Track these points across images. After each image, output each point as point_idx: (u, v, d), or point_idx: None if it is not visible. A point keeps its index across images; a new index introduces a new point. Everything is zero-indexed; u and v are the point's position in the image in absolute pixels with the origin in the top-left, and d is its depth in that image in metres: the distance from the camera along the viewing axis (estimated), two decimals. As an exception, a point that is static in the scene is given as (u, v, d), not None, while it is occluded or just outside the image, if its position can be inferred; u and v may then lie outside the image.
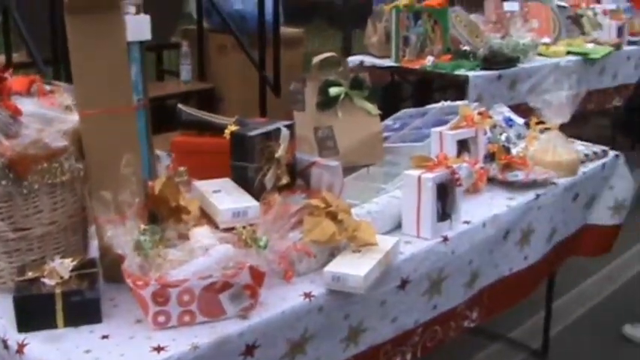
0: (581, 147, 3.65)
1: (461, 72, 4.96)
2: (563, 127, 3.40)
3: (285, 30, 6.31)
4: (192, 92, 6.16)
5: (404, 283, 2.42)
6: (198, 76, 6.25)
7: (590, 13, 6.74)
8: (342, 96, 3.04)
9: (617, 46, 6.22)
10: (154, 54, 6.62)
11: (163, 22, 6.11)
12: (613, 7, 6.94)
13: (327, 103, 3.03)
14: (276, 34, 5.60)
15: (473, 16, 5.94)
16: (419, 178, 2.52)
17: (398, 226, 2.60)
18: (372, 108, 3.09)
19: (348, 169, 2.95)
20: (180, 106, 2.98)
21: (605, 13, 6.78)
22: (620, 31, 6.44)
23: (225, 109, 6.02)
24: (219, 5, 6.01)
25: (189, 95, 6.17)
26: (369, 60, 5.38)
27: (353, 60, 5.47)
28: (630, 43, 6.41)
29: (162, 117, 6.06)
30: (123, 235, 1.94)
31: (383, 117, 3.75)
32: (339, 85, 3.05)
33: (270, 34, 5.63)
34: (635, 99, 4.25)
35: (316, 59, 3.10)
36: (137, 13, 2.31)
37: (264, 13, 5.60)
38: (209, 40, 6.25)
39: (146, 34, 2.33)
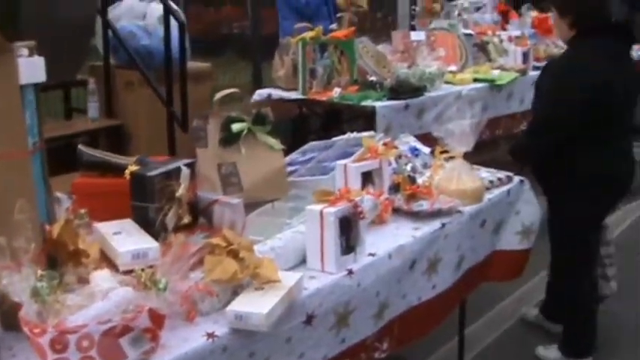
0: (486, 174, 3.70)
1: (368, 103, 4.98)
2: (473, 154, 3.45)
3: (193, 65, 6.28)
4: (100, 130, 6.07)
5: (310, 319, 2.41)
6: (106, 113, 6.17)
7: (495, 40, 6.85)
8: (244, 132, 3.03)
9: (523, 72, 6.33)
10: (62, 91, 6.52)
11: (70, 59, 6.04)
12: (518, 33, 7.07)
13: (229, 139, 3.02)
14: (182, 69, 5.57)
15: (380, 47, 5.99)
16: (321, 212, 2.51)
17: (303, 261, 2.59)
18: (275, 143, 3.08)
19: (253, 205, 2.94)
20: (80, 147, 2.94)
21: (510, 39, 6.90)
22: (525, 56, 6.56)
23: (134, 146, 5.96)
24: (126, 41, 5.95)
25: (98, 133, 6.08)
26: (276, 93, 5.38)
27: (261, 93, 5.47)
28: (535, 68, 6.53)
29: (70, 156, 5.99)
30: (19, 282, 1.90)
31: (291, 150, 3.77)
32: (241, 120, 3.04)
33: (178, 70, 5.60)
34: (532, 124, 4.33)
35: (218, 95, 3.10)
36: (30, 55, 2.27)
37: (170, 49, 5.57)
38: (116, 76, 6.18)
39: (40, 76, 2.29)
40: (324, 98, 5.13)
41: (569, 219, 3.90)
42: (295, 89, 5.27)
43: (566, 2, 4.08)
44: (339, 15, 5.94)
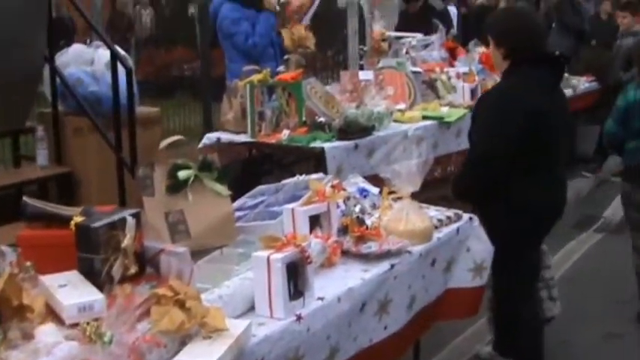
0: (435, 212, 3.73)
1: (317, 144, 4.99)
2: (425, 191, 3.48)
3: (141, 110, 6.27)
4: (49, 177, 6.02)
5: (259, 366, 2.40)
6: (56, 160, 6.12)
7: (444, 77, 6.90)
8: (191, 179, 3.02)
9: (471, 108, 6.39)
10: (10, 139, 6.47)
11: (18, 107, 6.01)
12: (466, 69, 7.12)
13: (176, 186, 3.02)
14: (131, 115, 5.56)
15: (329, 87, 6.03)
16: (268, 258, 2.52)
17: (252, 308, 2.59)
18: (223, 189, 3.08)
19: (202, 252, 2.94)
20: (25, 198, 2.92)
21: (458, 76, 6.96)
22: (473, 93, 6.61)
23: (84, 193, 5.93)
24: (74, 88, 5.93)
25: (47, 180, 6.03)
26: (226, 136, 5.37)
27: (210, 137, 5.46)
28: (483, 104, 6.60)
29: (19, 205, 5.94)
30: (-40, 340, 1.87)
31: (241, 193, 3.77)
32: (188, 167, 3.04)
33: (126, 116, 5.59)
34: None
35: (163, 143, 3.09)
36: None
37: (118, 95, 5.56)
38: (65, 123, 6.14)
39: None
40: (273, 141, 5.13)
41: (505, 245, 3.93)
42: (244, 132, 5.27)
43: (500, 34, 4.17)
44: (286, 57, 5.95)
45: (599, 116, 10.04)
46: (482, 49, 7.83)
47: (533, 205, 4.05)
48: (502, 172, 3.97)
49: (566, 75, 9.04)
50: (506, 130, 3.93)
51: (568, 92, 8.78)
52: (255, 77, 5.26)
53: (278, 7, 6.45)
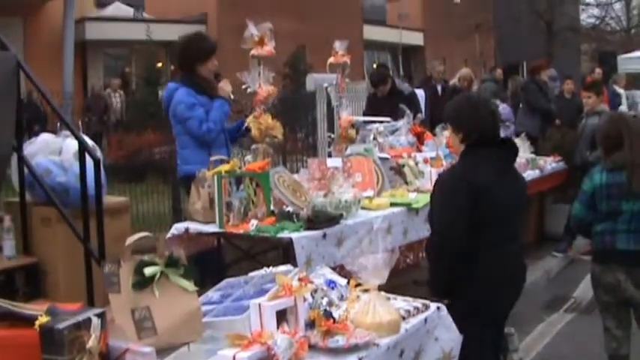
0: (403, 303, 3.73)
1: (285, 234, 4.97)
2: (397, 277, 3.50)
3: (110, 200, 6.27)
4: (16, 267, 5.98)
5: None
6: (23, 250, 6.09)
7: (411, 162, 6.97)
8: (158, 275, 3.02)
9: (439, 193, 6.44)
10: (-23, 230, 6.45)
11: (-15, 197, 6.00)
12: (433, 154, 7.21)
13: (143, 283, 3.01)
14: (99, 206, 5.54)
15: (297, 175, 6.07)
16: (234, 358, 2.51)
17: (217, 408, 2.57)
18: (189, 285, 3.08)
19: (169, 349, 2.92)
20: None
21: (426, 161, 7.04)
22: (441, 178, 6.67)
23: (51, 283, 5.89)
24: (42, 178, 5.93)
25: (14, 270, 6.00)
26: (194, 227, 5.36)
27: (178, 227, 5.45)
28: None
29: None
30: None
31: (209, 284, 3.76)
32: (154, 264, 3.04)
33: (94, 206, 5.58)
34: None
35: (129, 240, 3.10)
36: None
37: (86, 186, 5.56)
38: (33, 212, 6.12)
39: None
40: (241, 231, 5.13)
41: (465, 322, 3.95)
42: (213, 222, 5.28)
43: (455, 120, 4.55)
44: (254, 147, 5.98)
45: (568, 195, 10.24)
46: (449, 133, 7.94)
47: (489, 281, 4.25)
48: (462, 247, 4.20)
49: (533, 155, 9.30)
50: (456, 204, 4.23)
51: (535, 173, 8.94)
52: (223, 167, 5.29)
53: (232, 96, 6.53)
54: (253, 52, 6.03)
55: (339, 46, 7.28)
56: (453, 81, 13.26)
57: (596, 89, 9.93)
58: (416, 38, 42.98)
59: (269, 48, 6.00)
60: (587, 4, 35.91)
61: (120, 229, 6.06)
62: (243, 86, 6.01)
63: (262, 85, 6.00)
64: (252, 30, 5.99)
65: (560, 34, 33.61)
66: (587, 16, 38.21)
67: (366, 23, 38.67)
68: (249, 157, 5.88)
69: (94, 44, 29.45)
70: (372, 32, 38.46)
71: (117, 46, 31.25)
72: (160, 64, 24.03)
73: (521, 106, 13.13)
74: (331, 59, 7.31)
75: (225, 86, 6.55)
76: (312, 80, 14.85)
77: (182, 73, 6.69)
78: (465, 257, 4.22)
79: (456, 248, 4.22)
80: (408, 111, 8.01)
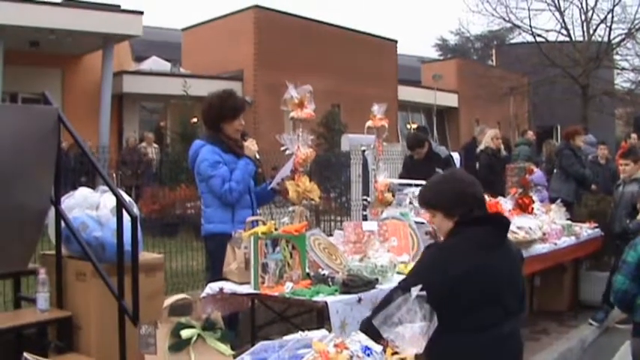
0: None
1: (320, 298, 4.94)
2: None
3: (145, 256, 6.28)
4: (49, 321, 6.00)
5: None
6: (57, 304, 6.11)
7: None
8: (194, 338, 3.02)
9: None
10: (12, 281, 6.49)
11: (21, 248, 6.04)
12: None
13: (179, 345, 3.01)
14: (134, 262, 5.56)
15: (332, 238, 6.06)
16: None
17: None
18: (225, 349, 3.08)
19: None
20: (26, 355, 2.91)
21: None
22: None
23: (84, 338, 5.90)
24: (78, 232, 5.97)
25: (47, 323, 6.02)
26: (228, 287, 5.35)
27: (213, 287, 5.44)
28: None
29: (18, 347, 5.92)
30: None
31: (244, 344, 3.74)
32: (191, 326, 3.03)
33: (129, 262, 5.60)
34: None
35: (167, 302, 3.11)
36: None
37: (122, 242, 5.59)
38: (68, 266, 6.16)
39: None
40: (276, 293, 5.12)
41: None
42: (248, 283, 5.27)
43: (434, 201, 4.34)
44: (291, 209, 5.97)
45: (604, 263, 10.14)
46: (487, 197, 7.91)
47: None
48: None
49: (569, 222, 9.22)
50: (428, 288, 3.87)
51: (571, 240, 8.85)
52: (260, 229, 5.30)
53: (258, 156, 6.50)
54: (293, 114, 6.06)
55: (377, 109, 7.29)
56: (485, 143, 13.09)
57: (633, 156, 9.86)
58: (450, 100, 43.16)
59: (309, 111, 6.02)
60: (623, 69, 35.89)
61: (154, 287, 6.09)
62: (282, 148, 6.02)
63: (300, 148, 6.01)
64: (292, 92, 6.02)
65: (596, 98, 33.59)
66: (623, 80, 38.24)
67: (400, 84, 38.90)
68: (285, 219, 5.87)
69: (130, 97, 29.82)
70: (407, 93, 38.71)
71: (153, 100, 31.63)
72: (194, 120, 24.23)
73: (555, 171, 13.08)
74: (369, 122, 7.33)
75: (251, 145, 6.52)
76: (347, 141, 14.91)
77: (208, 130, 6.66)
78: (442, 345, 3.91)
79: None
80: (443, 175, 7.97)
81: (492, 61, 52.75)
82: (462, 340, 4.03)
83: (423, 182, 8.08)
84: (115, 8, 25.80)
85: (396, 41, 40.22)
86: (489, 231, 4.18)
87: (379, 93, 36.69)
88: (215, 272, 6.04)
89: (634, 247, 5.34)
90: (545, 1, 33.19)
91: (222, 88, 6.78)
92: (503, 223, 4.30)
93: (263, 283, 5.18)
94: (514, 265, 4.36)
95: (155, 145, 24.43)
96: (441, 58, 59.00)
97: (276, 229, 5.38)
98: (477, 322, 4.05)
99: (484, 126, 14.17)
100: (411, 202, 7.39)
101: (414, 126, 33.88)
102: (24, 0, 23.12)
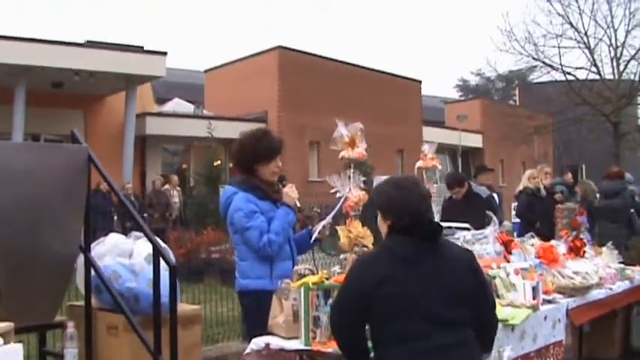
0: None
1: (376, 354, 4.55)
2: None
3: (183, 308, 5.86)
4: (79, 379, 5.61)
5: None
6: (86, 360, 5.72)
7: (502, 273, 6.43)
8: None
9: (534, 308, 5.99)
10: (37, 334, 6.10)
11: (47, 298, 5.66)
12: (524, 265, 6.73)
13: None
14: (173, 315, 5.14)
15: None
16: None
17: None
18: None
19: None
20: None
21: (517, 272, 6.52)
22: (534, 291, 6.22)
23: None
24: (110, 282, 5.58)
25: (77, 382, 5.63)
26: (275, 342, 4.91)
27: (257, 343, 5.00)
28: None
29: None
30: None
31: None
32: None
33: (166, 315, 5.18)
34: None
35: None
36: (6, 342, 1.89)
37: (159, 293, 5.17)
38: (98, 319, 5.77)
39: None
40: (329, 349, 4.69)
41: None
42: (296, 338, 4.84)
43: (384, 205, 4.29)
44: (342, 256, 5.54)
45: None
46: (536, 241, 7.53)
47: None
48: (358, 340, 4.14)
49: (622, 265, 8.79)
50: (347, 296, 4.13)
51: (625, 284, 8.43)
52: (310, 279, 4.87)
53: (298, 203, 5.95)
54: (343, 153, 5.60)
55: (427, 148, 6.91)
56: (523, 184, 12.75)
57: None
58: (475, 140, 42.97)
59: (360, 150, 5.58)
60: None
61: (191, 340, 5.72)
62: (332, 190, 5.58)
63: (352, 190, 5.58)
64: (342, 130, 5.58)
65: (628, 135, 33.30)
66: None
67: (424, 124, 38.74)
68: (336, 268, 5.42)
69: (153, 139, 29.74)
70: (431, 134, 38.45)
71: (176, 142, 31.56)
72: (218, 162, 24.01)
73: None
74: (420, 163, 6.96)
75: (290, 192, 5.94)
76: (378, 181, 14.56)
77: (241, 175, 6.01)
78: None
79: (345, 339, 4.18)
80: (495, 218, 7.58)
81: (515, 100, 52.63)
82: (388, 353, 3.99)
83: (466, 225, 7.76)
84: (138, 49, 25.79)
85: (420, 81, 40.19)
86: (414, 241, 4.09)
87: (404, 133, 36.62)
88: (252, 330, 5.48)
89: None
90: (575, 39, 33.03)
91: (254, 128, 6.28)
92: (430, 232, 4.17)
93: (314, 338, 4.77)
94: (453, 274, 4.16)
95: (178, 188, 24.20)
96: (463, 98, 58.99)
97: (327, 279, 4.95)
98: (400, 333, 3.97)
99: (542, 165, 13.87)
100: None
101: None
102: (47, 41, 23.10)
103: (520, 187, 12.65)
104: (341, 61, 35.20)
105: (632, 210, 12.29)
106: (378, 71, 37.07)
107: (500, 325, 5.45)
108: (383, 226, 4.27)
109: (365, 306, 4.00)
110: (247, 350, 5.00)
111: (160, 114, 31.01)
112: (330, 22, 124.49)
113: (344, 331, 4.18)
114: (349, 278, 4.21)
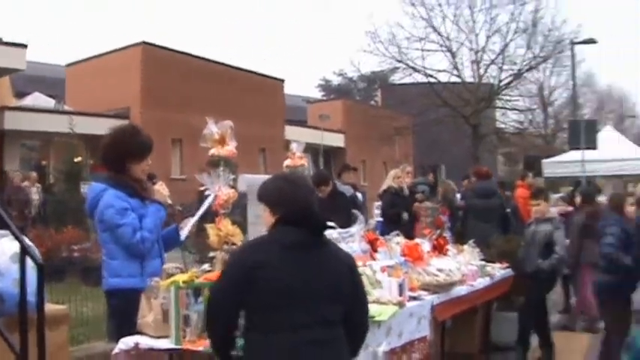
0: None
1: (247, 350, 4.56)
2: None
3: (49, 308, 5.68)
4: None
5: None
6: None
7: (369, 271, 6.54)
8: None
9: (400, 305, 6.11)
10: None
11: None
12: (390, 262, 6.86)
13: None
14: (40, 316, 4.97)
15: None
16: None
17: None
18: None
19: None
20: None
21: (383, 270, 6.64)
22: (401, 288, 6.34)
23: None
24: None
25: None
26: (144, 342, 4.86)
27: (126, 342, 4.93)
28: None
29: None
30: None
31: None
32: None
33: (32, 315, 5.03)
34: None
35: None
36: None
37: (25, 292, 5.02)
38: (-42, 321, 5.57)
39: None
40: (199, 348, 4.67)
41: None
42: (166, 337, 4.81)
43: (271, 198, 4.33)
44: (211, 254, 5.53)
45: (515, 303, 10.03)
46: (402, 239, 7.69)
47: None
48: (232, 330, 4.12)
49: (483, 262, 9.07)
50: (227, 278, 4.15)
51: (486, 280, 8.70)
52: (180, 277, 4.84)
53: (170, 200, 5.94)
54: (213, 151, 5.61)
55: (296, 147, 6.97)
56: (387, 183, 12.97)
57: (545, 195, 9.97)
58: (337, 140, 43.36)
59: (230, 148, 5.61)
60: (513, 109, 37.09)
61: (58, 341, 5.59)
62: (201, 188, 5.57)
63: (222, 188, 5.58)
64: (212, 128, 5.58)
65: (486, 137, 34.32)
66: (508, 120, 39.48)
67: (287, 123, 38.89)
68: (206, 266, 5.39)
69: (11, 134, 28.86)
70: (294, 133, 38.65)
71: (35, 137, 30.71)
72: (79, 158, 23.49)
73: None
74: (288, 161, 7.00)
75: (162, 189, 5.93)
76: (244, 181, 14.51)
77: (110, 172, 5.87)
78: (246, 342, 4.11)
79: (219, 327, 4.15)
80: (361, 216, 7.70)
81: (376, 101, 53.44)
82: (260, 340, 3.99)
83: (333, 224, 7.87)
84: (-4, 40, 24.98)
85: (283, 80, 40.27)
86: (302, 232, 4.11)
87: (267, 132, 36.65)
88: (120, 330, 5.37)
89: None
90: (437, 42, 33.88)
91: (122, 124, 6.17)
92: (317, 227, 4.22)
93: (184, 337, 4.74)
94: (334, 272, 4.20)
95: (38, 185, 23.57)
96: (325, 98, 59.48)
97: (197, 277, 4.94)
98: (277, 322, 3.99)
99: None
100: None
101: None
102: None
103: (384, 187, 12.85)
104: (205, 59, 35.02)
105: (507, 209, 12.69)
106: (242, 69, 37.05)
107: (367, 324, 5.58)
108: (269, 219, 4.27)
109: (243, 290, 3.98)
110: (115, 350, 4.93)
111: (18, 108, 30.14)
112: (196, 19, 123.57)
113: (220, 317, 4.13)
114: (229, 262, 4.28)
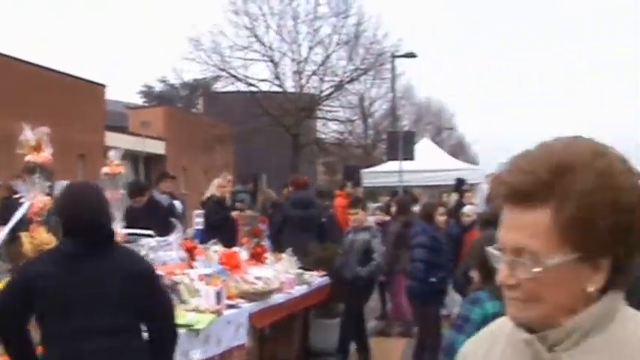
0: None
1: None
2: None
3: None
4: None
5: None
6: None
7: (187, 279, 6.58)
8: None
9: (218, 313, 6.14)
10: None
11: None
12: (208, 271, 6.91)
13: None
14: None
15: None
16: None
17: None
18: None
19: None
20: None
21: (201, 278, 6.68)
22: (219, 296, 6.38)
23: None
24: None
25: None
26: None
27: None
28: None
29: None
30: None
31: None
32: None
33: None
34: None
35: None
36: None
37: None
38: None
39: None
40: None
41: None
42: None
43: (56, 212, 4.58)
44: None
45: (333, 310, 10.22)
46: (220, 247, 7.73)
47: None
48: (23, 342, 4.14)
49: (300, 271, 9.21)
50: (8, 290, 4.20)
51: (303, 288, 8.84)
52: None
53: None
54: (29, 157, 5.49)
55: (114, 155, 6.88)
56: (210, 191, 12.88)
57: (362, 205, 10.23)
58: (158, 147, 42.87)
59: (46, 154, 5.50)
60: (334, 120, 37.81)
61: None
62: (15, 196, 5.44)
63: (37, 196, 5.46)
64: (28, 134, 5.46)
65: (307, 147, 34.82)
66: (329, 131, 40.17)
67: (107, 130, 38.18)
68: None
69: None
70: (115, 139, 37.90)
71: None
72: None
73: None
74: (106, 169, 6.90)
75: None
76: (60, 187, 14.18)
77: None
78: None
79: (10, 340, 4.17)
80: (179, 225, 7.68)
81: (199, 109, 53.25)
82: (48, 350, 4.06)
83: (151, 232, 7.82)
84: None
85: (104, 85, 39.49)
86: (84, 242, 4.12)
87: (86, 138, 35.79)
88: None
89: (479, 303, 4.53)
90: (260, 52, 34.14)
91: None
92: (102, 237, 4.22)
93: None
94: (121, 281, 4.14)
95: None
96: (147, 105, 58.76)
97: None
98: (57, 333, 4.03)
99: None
100: (146, 254, 6.99)
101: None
102: None
103: (207, 195, 12.77)
104: (17, 59, 33.87)
105: (323, 219, 12.85)
106: (61, 73, 36.03)
107: (184, 330, 5.59)
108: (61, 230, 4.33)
109: (25, 301, 4.03)
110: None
111: None
112: (9, 17, 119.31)
113: (7, 329, 4.14)
114: (14, 275, 4.41)
